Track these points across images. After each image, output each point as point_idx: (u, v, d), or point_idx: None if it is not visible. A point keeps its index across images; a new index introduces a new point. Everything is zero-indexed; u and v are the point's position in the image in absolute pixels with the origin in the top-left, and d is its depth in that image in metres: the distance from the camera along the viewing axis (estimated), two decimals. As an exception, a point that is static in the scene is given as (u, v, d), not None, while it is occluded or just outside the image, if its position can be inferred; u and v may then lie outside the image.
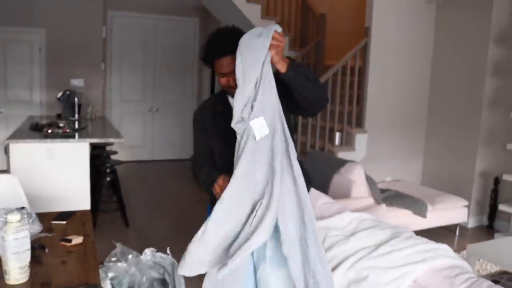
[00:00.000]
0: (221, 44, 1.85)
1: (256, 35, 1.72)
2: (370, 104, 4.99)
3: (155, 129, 8.20)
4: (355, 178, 3.93)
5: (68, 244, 2.04)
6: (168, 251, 2.36)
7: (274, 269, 1.84)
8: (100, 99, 7.37)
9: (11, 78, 6.85)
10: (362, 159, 5.00)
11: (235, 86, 1.76)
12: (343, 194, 3.92)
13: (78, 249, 2.01)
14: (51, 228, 2.26)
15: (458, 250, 3.96)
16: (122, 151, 7.93)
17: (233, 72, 1.77)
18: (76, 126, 5.10)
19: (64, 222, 2.33)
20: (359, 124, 5.07)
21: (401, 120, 5.25)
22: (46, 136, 4.11)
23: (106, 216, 4.90)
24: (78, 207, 4.20)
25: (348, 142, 5.05)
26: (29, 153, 4.02)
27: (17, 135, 4.29)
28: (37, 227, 2.09)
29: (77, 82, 7.05)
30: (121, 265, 2.24)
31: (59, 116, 5.88)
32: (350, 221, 2.43)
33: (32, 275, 1.72)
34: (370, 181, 4.22)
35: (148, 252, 2.39)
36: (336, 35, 6.17)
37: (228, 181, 1.78)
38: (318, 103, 1.87)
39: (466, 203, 4.67)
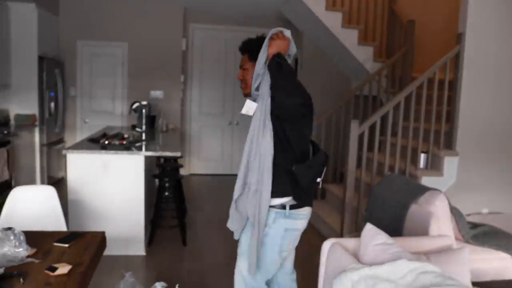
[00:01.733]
0: (242, 45, 2.30)
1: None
2: (462, 122, 4.23)
3: (234, 143, 7.99)
4: (436, 210, 3.24)
5: (51, 273, 1.75)
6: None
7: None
8: (179, 111, 7.32)
9: (95, 90, 7.06)
10: (451, 186, 4.26)
11: (241, 80, 2.28)
12: (420, 229, 3.26)
13: (59, 281, 1.71)
14: (50, 250, 2.00)
15: None
16: (201, 164, 7.85)
17: (240, 67, 2.28)
18: (143, 137, 5.01)
19: (67, 245, 2.06)
20: (449, 145, 4.33)
21: (503, 142, 4.39)
22: (103, 147, 4.01)
23: (167, 233, 4.67)
24: (131, 221, 4.05)
25: (435, 166, 4.33)
26: (85, 164, 3.93)
27: (77, 146, 4.25)
28: (23, 251, 1.83)
29: (156, 94, 7.09)
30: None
31: (133, 127, 5.89)
32: (407, 272, 1.86)
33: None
34: (456, 213, 3.50)
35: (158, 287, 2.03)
36: (427, 44, 5.46)
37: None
38: (278, 99, 2.01)
39: None
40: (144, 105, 5.49)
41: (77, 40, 6.89)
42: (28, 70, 5.88)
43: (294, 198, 2.10)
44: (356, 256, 2.32)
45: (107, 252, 3.95)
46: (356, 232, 4.30)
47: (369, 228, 2.29)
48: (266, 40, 2.08)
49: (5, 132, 5.01)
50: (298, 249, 4.40)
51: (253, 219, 2.10)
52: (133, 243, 4.05)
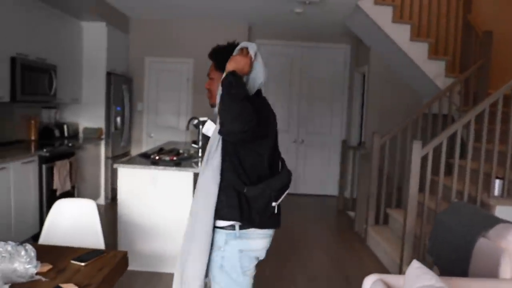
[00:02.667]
0: (210, 52, 2.19)
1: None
2: (546, 145, 3.72)
3: (298, 162, 7.78)
4: (508, 246, 2.81)
5: (54, 295, 1.66)
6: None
7: None
8: (242, 128, 7.26)
9: (161, 105, 7.21)
10: (532, 218, 3.73)
11: (208, 90, 2.19)
12: (489, 269, 2.84)
13: (59, 304, 1.61)
14: (65, 268, 1.93)
15: None
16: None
17: (208, 75, 2.19)
18: (199, 154, 4.96)
19: (83, 264, 1.98)
20: (530, 170, 3.82)
21: None
22: (153, 163, 3.99)
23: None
24: (177, 238, 3.96)
25: (512, 194, 3.84)
26: (135, 179, 3.93)
27: (128, 160, 4.28)
28: (32, 268, 1.76)
29: (220, 110, 7.07)
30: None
31: (193, 143, 5.89)
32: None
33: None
34: (535, 251, 3.02)
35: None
36: (506, 57, 4.94)
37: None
38: (223, 119, 1.82)
39: None
40: (203, 121, 5.46)
41: (145, 57, 7.11)
42: (97, 86, 6.13)
43: (241, 221, 1.95)
44: (399, 297, 2.03)
45: (151, 268, 3.96)
46: (418, 263, 3.90)
47: (416, 267, 1.99)
48: (234, 53, 1.97)
49: (70, 144, 5.20)
50: (353, 276, 4.10)
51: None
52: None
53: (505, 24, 5.27)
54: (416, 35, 5.17)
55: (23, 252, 1.76)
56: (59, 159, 4.78)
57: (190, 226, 2.04)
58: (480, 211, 3.56)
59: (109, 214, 5.67)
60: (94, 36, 6.10)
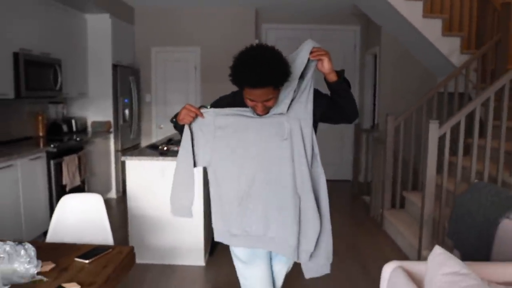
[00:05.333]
0: (260, 75, 1.77)
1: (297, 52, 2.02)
2: None
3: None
4: (534, 227, 2.69)
5: (56, 295, 1.58)
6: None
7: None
8: (252, 115, 7.14)
9: (170, 96, 7.11)
10: (557, 197, 3.57)
11: (262, 113, 1.94)
12: (513, 249, 2.72)
13: (61, 305, 1.53)
14: (68, 266, 1.85)
15: None
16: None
17: (263, 101, 1.86)
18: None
19: (87, 261, 1.89)
20: (553, 147, 3.64)
21: None
22: (161, 154, 3.90)
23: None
24: (189, 230, 3.89)
25: (535, 172, 3.67)
26: (144, 171, 3.86)
27: (136, 152, 4.20)
28: (33, 268, 1.68)
29: (229, 99, 6.95)
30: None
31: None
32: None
33: None
34: (562, 232, 2.88)
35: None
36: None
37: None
38: (352, 113, 2.04)
39: None
40: (211, 110, 5.35)
41: (151, 47, 7.00)
42: (103, 79, 6.05)
43: None
44: (422, 286, 1.92)
45: (164, 261, 3.89)
46: (438, 247, 3.77)
47: (438, 253, 1.87)
48: (305, 53, 1.94)
49: (78, 139, 5.13)
50: (371, 264, 3.99)
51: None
52: (192, 253, 3.89)
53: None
54: (429, 11, 4.97)
55: (22, 252, 1.68)
56: (67, 154, 4.72)
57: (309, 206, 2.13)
58: (502, 192, 3.41)
59: (121, 208, 5.63)
60: (98, 28, 6.00)
